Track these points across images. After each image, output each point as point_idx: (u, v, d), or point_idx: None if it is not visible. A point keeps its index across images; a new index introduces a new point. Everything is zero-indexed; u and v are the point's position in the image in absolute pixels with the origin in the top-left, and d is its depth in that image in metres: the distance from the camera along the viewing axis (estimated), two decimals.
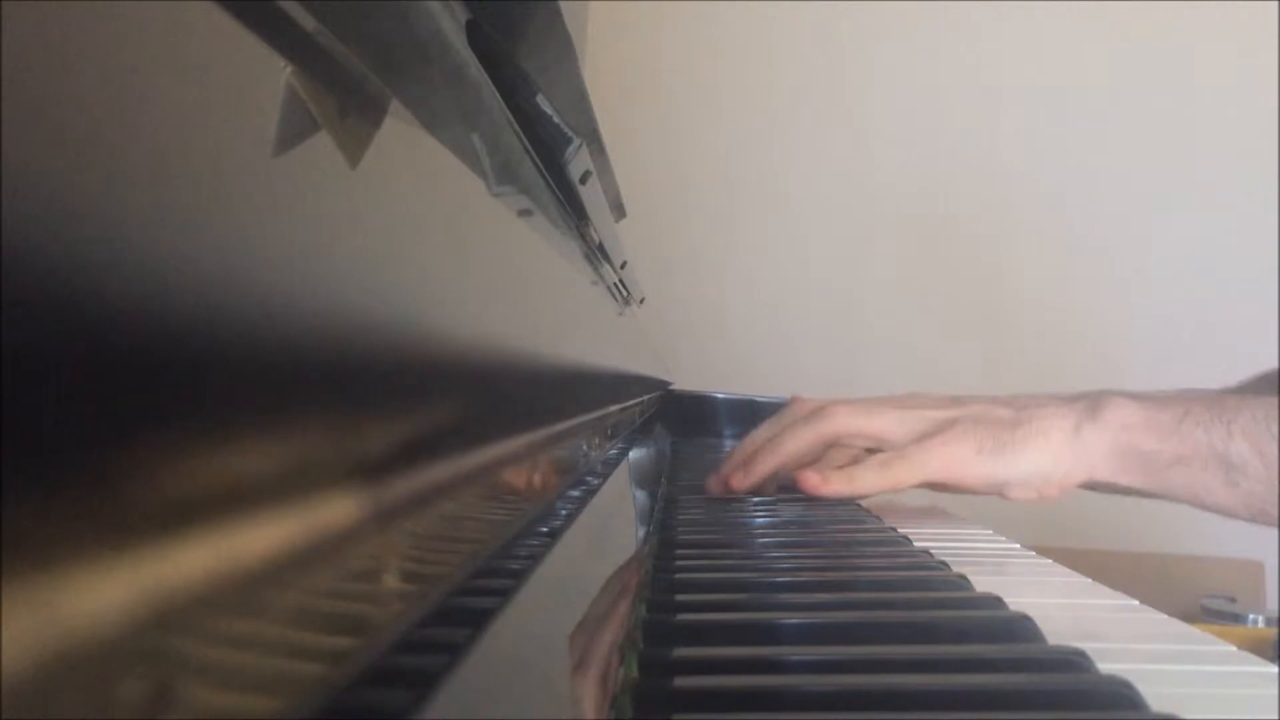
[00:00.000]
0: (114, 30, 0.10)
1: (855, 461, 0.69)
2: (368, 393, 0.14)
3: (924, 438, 0.67)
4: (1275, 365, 0.84)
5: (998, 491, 0.67)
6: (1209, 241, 1.90)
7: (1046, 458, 0.65)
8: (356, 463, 0.12)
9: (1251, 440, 0.62)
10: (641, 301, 1.16)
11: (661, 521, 0.57)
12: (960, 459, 0.65)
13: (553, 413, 0.28)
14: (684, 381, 1.29)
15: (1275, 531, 0.66)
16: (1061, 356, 1.87)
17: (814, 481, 0.66)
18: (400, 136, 0.21)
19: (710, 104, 1.93)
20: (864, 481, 0.66)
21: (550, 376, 0.31)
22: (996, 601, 0.38)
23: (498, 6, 0.37)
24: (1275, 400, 0.63)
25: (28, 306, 0.07)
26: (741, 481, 0.70)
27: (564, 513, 0.33)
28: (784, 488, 0.71)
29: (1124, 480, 0.66)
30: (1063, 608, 0.42)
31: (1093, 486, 0.69)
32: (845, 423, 0.69)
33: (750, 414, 1.27)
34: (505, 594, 0.21)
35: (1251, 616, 1.63)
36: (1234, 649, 0.37)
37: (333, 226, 0.15)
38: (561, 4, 0.42)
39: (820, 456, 0.72)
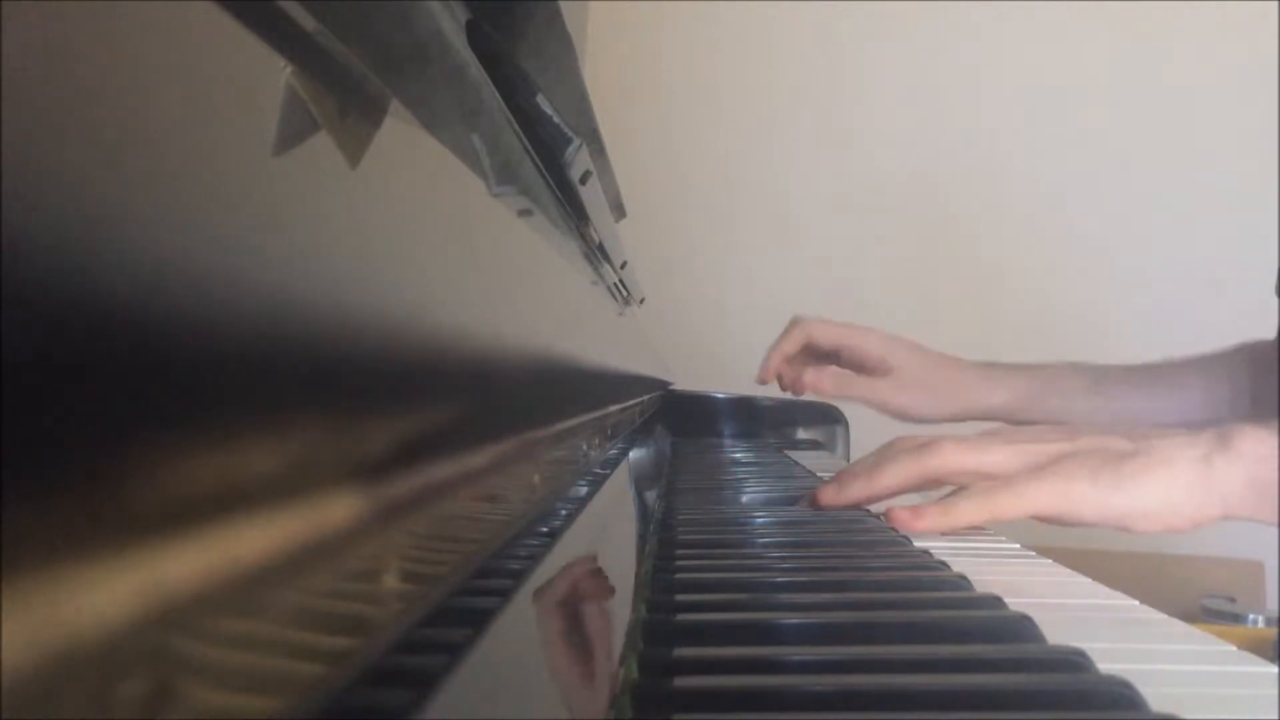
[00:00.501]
0: (114, 30, 0.10)
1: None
2: (368, 392, 0.14)
3: (1035, 469, 0.62)
4: (1250, 339, 0.82)
5: (1120, 525, 0.62)
6: (1209, 241, 1.90)
7: (1175, 488, 0.60)
8: (357, 462, 0.12)
9: None
10: (641, 301, 1.16)
11: (661, 521, 0.57)
12: (1074, 491, 0.61)
13: (553, 413, 0.28)
14: (684, 381, 1.29)
15: (1275, 531, 0.65)
16: (1063, 356, 1.86)
17: (904, 517, 0.62)
18: (400, 136, 0.21)
19: (710, 104, 1.93)
20: (962, 513, 0.61)
21: (550, 376, 0.31)
22: (996, 601, 0.38)
23: (498, 6, 0.37)
24: None
25: (28, 306, 0.07)
26: (832, 498, 0.66)
27: (564, 513, 0.33)
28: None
29: (1258, 515, 0.61)
30: (1062, 607, 0.42)
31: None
32: (952, 459, 0.65)
33: (750, 414, 1.27)
34: (505, 594, 0.21)
35: (1251, 616, 1.63)
36: (1234, 649, 0.37)
37: (333, 226, 0.15)
38: (561, 4, 0.42)
39: (919, 490, 0.68)
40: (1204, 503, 0.61)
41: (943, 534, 0.63)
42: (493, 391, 0.22)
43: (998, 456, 0.64)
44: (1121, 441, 0.63)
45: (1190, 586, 1.73)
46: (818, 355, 1.03)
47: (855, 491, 0.66)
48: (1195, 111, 1.91)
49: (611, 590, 0.33)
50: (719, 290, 1.92)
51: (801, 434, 1.29)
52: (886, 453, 0.68)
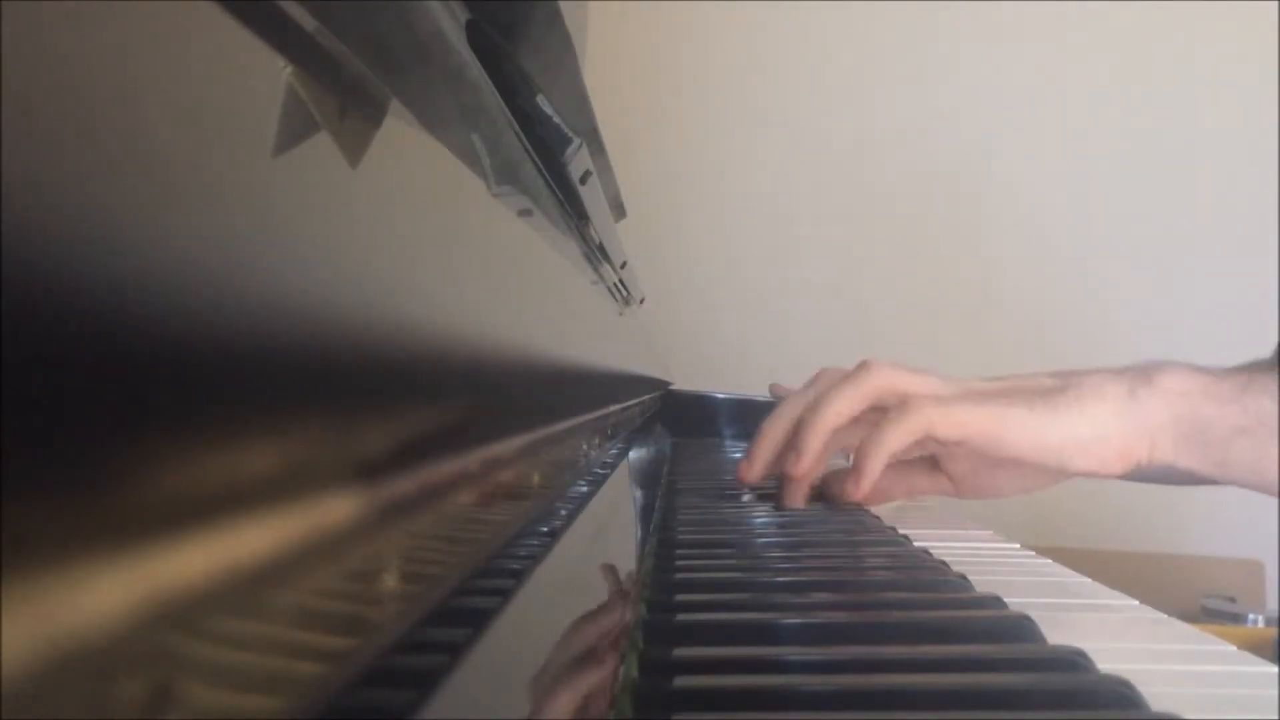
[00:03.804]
0: (114, 30, 0.10)
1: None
2: (368, 393, 0.14)
3: (968, 393, 0.61)
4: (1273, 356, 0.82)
5: (1056, 461, 0.60)
6: (1209, 241, 1.90)
7: (1104, 420, 0.59)
8: (357, 462, 0.12)
9: None
10: (641, 301, 1.16)
11: (661, 521, 0.57)
12: (1010, 415, 0.59)
13: (553, 413, 0.28)
14: (684, 381, 1.29)
15: (1275, 531, 0.64)
16: (1063, 358, 1.86)
17: (848, 489, 0.61)
18: (400, 136, 0.21)
19: (710, 104, 1.93)
20: (892, 436, 0.59)
21: (550, 376, 0.31)
22: (996, 601, 0.38)
23: (498, 6, 0.37)
24: None
25: (28, 306, 0.07)
26: (796, 465, 0.62)
27: (564, 513, 0.33)
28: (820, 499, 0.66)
29: (1184, 459, 0.59)
30: (1062, 607, 0.42)
31: (1149, 476, 0.63)
32: (889, 376, 0.62)
33: (750, 414, 1.27)
34: (505, 594, 0.21)
35: (1251, 616, 1.63)
36: (1234, 649, 0.37)
37: (333, 226, 0.15)
38: (561, 4, 0.42)
39: (867, 422, 0.63)
40: (1133, 436, 0.59)
41: (886, 463, 0.60)
42: (493, 391, 0.22)
43: (933, 381, 0.62)
44: (1049, 378, 0.62)
45: (1190, 586, 1.73)
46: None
47: (814, 441, 0.61)
48: (1195, 114, 1.91)
49: (611, 590, 0.33)
50: (719, 290, 1.92)
51: None
52: (818, 385, 0.64)
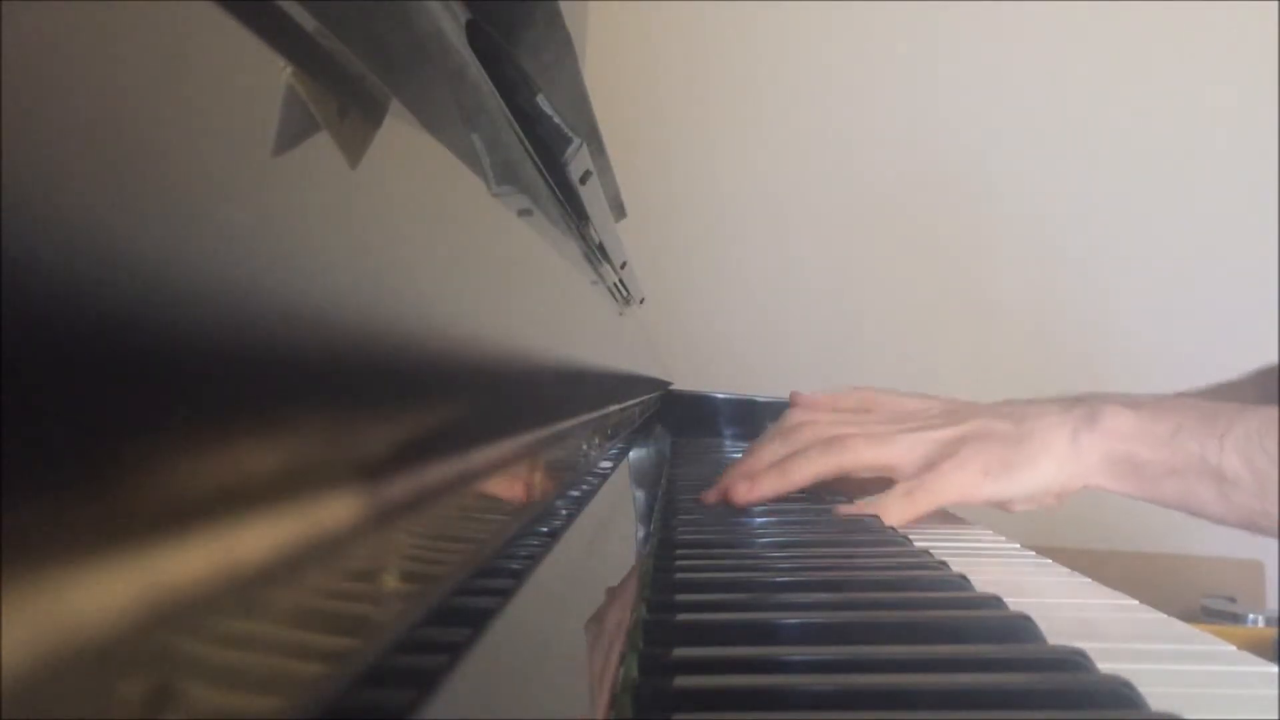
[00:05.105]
0: (114, 30, 0.10)
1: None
2: (368, 393, 0.14)
3: (934, 464, 0.67)
4: (1275, 360, 0.84)
5: (1003, 507, 0.69)
6: (1209, 242, 1.90)
7: (1049, 471, 0.66)
8: (356, 463, 0.12)
9: (1244, 455, 0.62)
10: (641, 301, 1.16)
11: (661, 521, 0.57)
12: (969, 484, 0.67)
13: (553, 413, 0.28)
14: (684, 381, 1.29)
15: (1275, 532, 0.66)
16: (1063, 359, 1.87)
17: (848, 511, 0.67)
18: (400, 136, 0.21)
19: (710, 104, 1.93)
20: (894, 515, 0.67)
21: (550, 376, 0.31)
22: (996, 601, 0.38)
23: (498, 6, 0.37)
24: (1272, 412, 0.63)
25: (28, 306, 0.07)
26: (744, 495, 0.68)
27: (564, 512, 0.33)
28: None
29: (1118, 488, 0.67)
30: (1062, 607, 0.42)
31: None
32: (861, 456, 0.69)
33: (750, 414, 1.27)
34: (505, 594, 0.21)
35: (1251, 616, 1.63)
36: (1234, 649, 0.37)
37: (332, 226, 0.15)
38: (561, 4, 0.42)
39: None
40: (1070, 479, 0.67)
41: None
42: (493, 391, 0.22)
43: (900, 449, 0.69)
44: (1004, 423, 0.68)
45: (1190, 586, 1.73)
46: None
47: (769, 488, 0.69)
48: (1195, 114, 1.91)
49: (611, 590, 0.33)
50: (719, 290, 1.92)
51: None
52: (794, 443, 0.72)
